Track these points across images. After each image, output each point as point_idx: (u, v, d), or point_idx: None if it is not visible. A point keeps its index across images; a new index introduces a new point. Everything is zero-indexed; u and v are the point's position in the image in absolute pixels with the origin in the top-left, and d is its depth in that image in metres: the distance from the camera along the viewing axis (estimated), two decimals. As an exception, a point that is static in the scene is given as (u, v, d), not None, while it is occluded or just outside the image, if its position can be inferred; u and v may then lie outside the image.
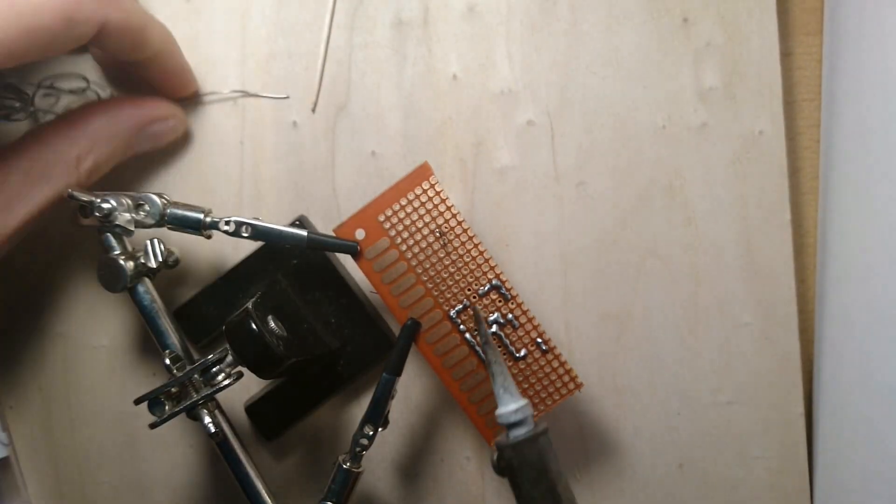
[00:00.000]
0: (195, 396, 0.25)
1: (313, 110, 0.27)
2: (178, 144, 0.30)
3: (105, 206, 0.25)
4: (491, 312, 0.26)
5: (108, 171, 0.27)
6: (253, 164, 0.30)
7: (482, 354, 0.24)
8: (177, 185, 0.30)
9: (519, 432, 0.19)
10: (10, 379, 0.30)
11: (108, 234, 0.26)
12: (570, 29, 0.29)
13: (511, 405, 0.19)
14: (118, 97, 0.28)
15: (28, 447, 0.30)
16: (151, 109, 0.27)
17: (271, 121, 0.30)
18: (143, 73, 0.27)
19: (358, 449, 0.25)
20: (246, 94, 0.30)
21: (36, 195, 0.25)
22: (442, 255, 0.26)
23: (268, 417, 0.29)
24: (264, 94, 0.30)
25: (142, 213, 0.25)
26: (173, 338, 0.27)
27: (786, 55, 0.30)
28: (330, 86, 0.30)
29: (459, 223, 0.26)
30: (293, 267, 0.28)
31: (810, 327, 0.30)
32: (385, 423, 0.25)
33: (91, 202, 0.25)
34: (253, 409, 0.29)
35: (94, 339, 0.30)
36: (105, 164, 0.26)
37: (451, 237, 0.26)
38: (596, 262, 0.29)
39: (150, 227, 0.26)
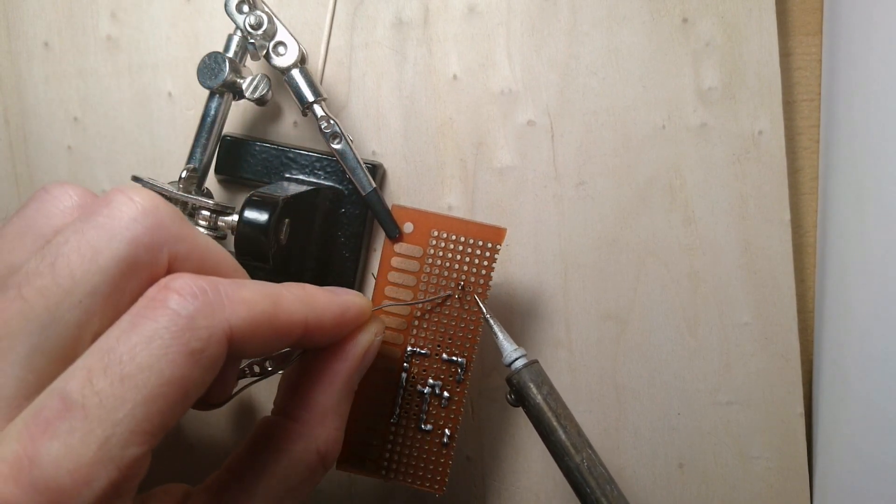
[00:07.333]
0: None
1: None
2: (186, 133, 0.30)
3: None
4: (437, 379, 0.26)
5: None
6: (253, 164, 0.30)
7: (487, 318, 0.25)
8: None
9: (518, 364, 0.24)
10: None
11: (234, 36, 0.27)
12: (570, 29, 0.29)
13: (511, 348, 0.25)
14: (322, 354, 0.23)
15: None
16: (366, 357, 0.23)
17: (270, 122, 0.30)
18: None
19: (247, 370, 0.25)
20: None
21: None
22: (448, 303, 0.26)
23: None
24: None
25: (278, 53, 0.27)
26: (204, 159, 0.27)
27: (785, 55, 0.30)
28: (330, 86, 0.30)
29: (481, 296, 0.26)
30: (340, 193, 0.29)
31: (810, 327, 0.30)
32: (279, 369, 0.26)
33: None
34: None
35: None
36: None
37: (467, 298, 0.26)
38: (596, 262, 0.29)
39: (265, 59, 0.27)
